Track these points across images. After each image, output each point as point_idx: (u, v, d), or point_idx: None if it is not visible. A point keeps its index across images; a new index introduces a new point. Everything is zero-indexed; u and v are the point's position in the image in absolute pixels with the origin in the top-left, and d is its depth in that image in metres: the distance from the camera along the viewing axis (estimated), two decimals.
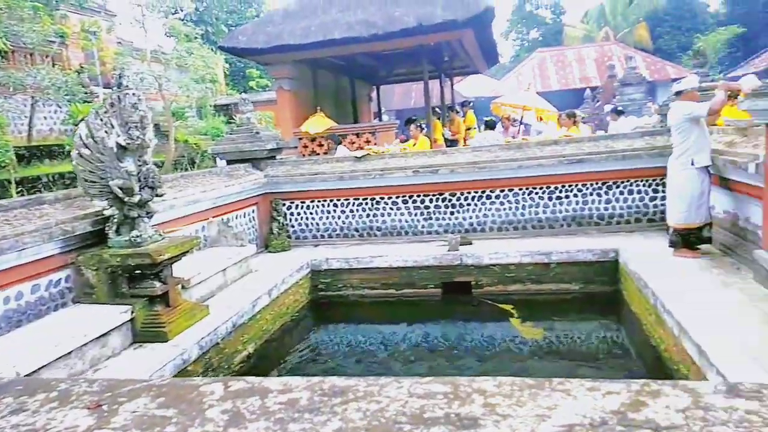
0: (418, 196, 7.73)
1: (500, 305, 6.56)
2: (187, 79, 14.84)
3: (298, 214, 8.14)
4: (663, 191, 6.60)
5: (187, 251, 4.98)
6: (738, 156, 5.27)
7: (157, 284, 4.71)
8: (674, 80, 6.46)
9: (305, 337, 6.37)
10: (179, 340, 4.60)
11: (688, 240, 5.76)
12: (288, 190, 8.05)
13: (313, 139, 10.85)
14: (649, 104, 15.04)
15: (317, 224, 8.09)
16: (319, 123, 10.70)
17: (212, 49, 16.35)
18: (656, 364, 4.73)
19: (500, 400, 1.17)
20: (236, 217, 7.39)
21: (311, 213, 8.09)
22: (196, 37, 16.17)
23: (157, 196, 4.92)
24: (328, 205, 8.01)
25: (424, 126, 9.43)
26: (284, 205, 8.09)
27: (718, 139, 6.01)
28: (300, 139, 10.95)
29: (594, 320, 6.24)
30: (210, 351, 4.79)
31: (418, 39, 9.37)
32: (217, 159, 9.63)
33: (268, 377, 1.55)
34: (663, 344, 4.67)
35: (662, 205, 6.78)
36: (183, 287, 5.19)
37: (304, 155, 10.63)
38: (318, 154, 10.71)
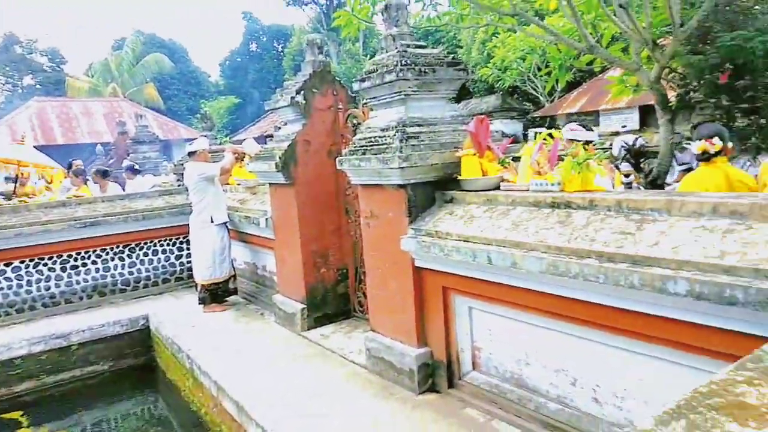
0: None
1: (3, 415, 5.06)
2: None
3: None
4: (188, 249, 6.63)
5: None
6: (250, 212, 5.80)
7: None
8: (187, 140, 6.69)
9: None
10: None
11: (216, 294, 5.94)
12: None
13: None
14: (165, 163, 15.32)
15: None
16: None
17: None
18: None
19: None
20: None
21: None
22: None
23: None
24: None
25: None
26: None
27: (232, 197, 6.50)
28: None
29: (130, 399, 5.69)
30: None
31: None
32: None
33: None
34: (204, 408, 4.54)
35: (189, 262, 6.80)
36: None
37: None
38: None
